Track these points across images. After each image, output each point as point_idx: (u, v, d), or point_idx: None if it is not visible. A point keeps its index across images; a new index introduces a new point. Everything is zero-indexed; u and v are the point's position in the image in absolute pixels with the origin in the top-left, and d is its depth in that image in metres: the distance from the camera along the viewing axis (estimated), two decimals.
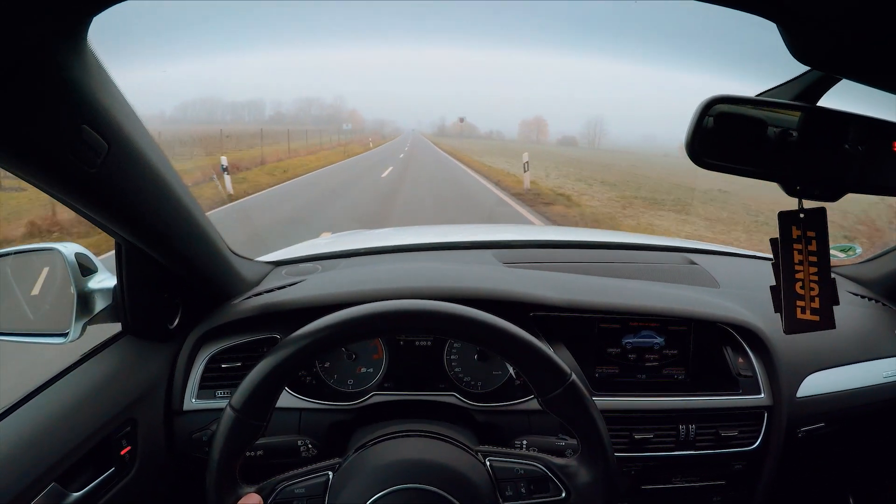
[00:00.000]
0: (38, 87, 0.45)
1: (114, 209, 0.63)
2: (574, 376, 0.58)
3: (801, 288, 0.60)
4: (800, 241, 0.60)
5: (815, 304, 0.60)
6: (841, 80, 0.60)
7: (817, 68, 0.56)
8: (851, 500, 1.19)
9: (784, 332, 0.61)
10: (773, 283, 0.62)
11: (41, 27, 0.41)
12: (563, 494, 0.60)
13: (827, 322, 0.60)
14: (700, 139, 0.58)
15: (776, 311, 0.62)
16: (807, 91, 0.62)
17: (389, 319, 0.57)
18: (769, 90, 0.64)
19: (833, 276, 1.27)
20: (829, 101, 0.63)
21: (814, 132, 0.61)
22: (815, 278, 0.60)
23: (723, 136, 0.59)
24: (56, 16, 0.42)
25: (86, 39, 0.48)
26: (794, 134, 0.59)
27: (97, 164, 0.53)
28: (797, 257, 0.60)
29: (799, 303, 0.61)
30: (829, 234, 0.61)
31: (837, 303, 0.60)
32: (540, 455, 0.62)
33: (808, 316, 0.60)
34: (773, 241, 0.62)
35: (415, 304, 0.57)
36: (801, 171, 0.61)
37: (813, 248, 0.60)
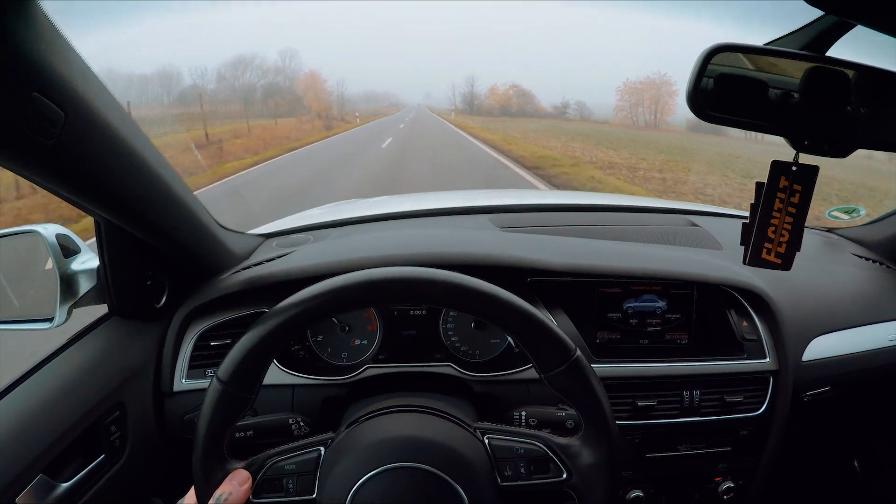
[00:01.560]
0: None
1: (78, 184, 0.59)
2: (579, 352, 0.56)
3: (773, 233, 0.63)
4: (785, 191, 0.61)
5: (781, 250, 0.64)
6: (854, 27, 0.57)
7: (831, 12, 0.53)
8: (856, 464, 1.19)
9: (743, 262, 0.65)
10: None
11: None
12: (564, 475, 0.58)
13: (787, 265, 0.64)
14: (702, 90, 0.55)
15: (741, 244, 0.65)
16: (816, 40, 0.59)
17: (383, 288, 0.54)
18: (776, 40, 0.61)
19: (836, 237, 1.25)
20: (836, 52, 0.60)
21: (821, 85, 0.58)
22: (788, 228, 0.63)
23: (728, 88, 0.56)
24: None
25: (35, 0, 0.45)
26: (796, 95, 0.58)
27: (54, 135, 0.49)
28: (777, 205, 0.62)
29: (766, 244, 0.64)
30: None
31: (800, 249, 0.63)
32: (541, 434, 0.60)
33: (771, 258, 0.64)
34: (758, 185, 0.62)
35: (410, 272, 0.55)
36: (808, 126, 0.59)
37: (795, 200, 0.62)
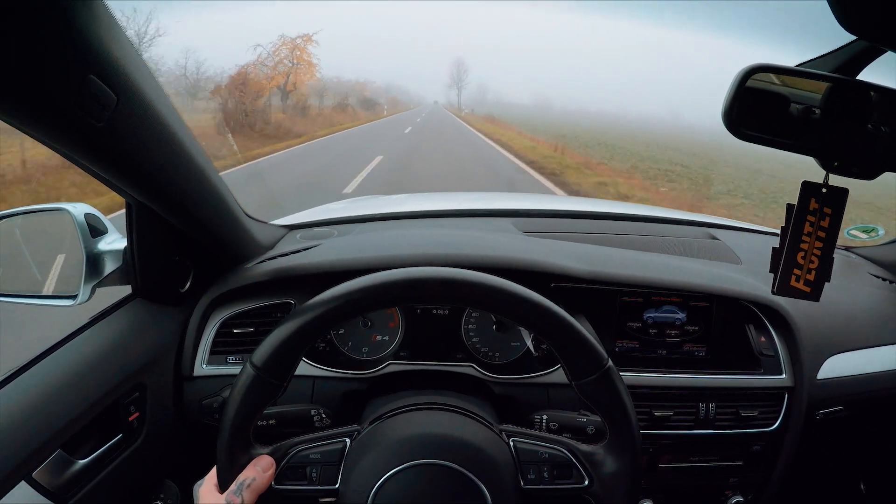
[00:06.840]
0: (42, 33, 0.42)
1: (122, 166, 0.60)
2: (611, 362, 0.56)
3: (802, 258, 0.63)
4: (815, 213, 0.61)
5: (810, 277, 0.63)
6: (885, 52, 0.58)
7: (865, 38, 0.54)
8: (862, 486, 1.19)
9: (772, 292, 0.64)
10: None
11: None
12: (587, 482, 0.58)
13: (815, 295, 0.63)
14: (738, 109, 0.56)
15: (770, 271, 0.64)
16: (847, 64, 0.60)
17: (423, 287, 0.54)
18: (809, 61, 0.62)
19: (855, 256, 1.25)
20: (867, 76, 0.61)
21: (854, 107, 0.59)
22: (818, 253, 0.62)
23: (763, 107, 0.57)
24: None
25: None
26: (839, 109, 0.58)
27: (104, 118, 0.51)
28: (807, 228, 0.62)
29: (795, 271, 0.63)
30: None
31: (829, 280, 0.63)
32: (565, 440, 0.61)
33: (800, 285, 0.63)
34: (788, 207, 0.62)
35: (452, 273, 0.55)
36: (838, 146, 0.60)
37: (825, 224, 0.62)
